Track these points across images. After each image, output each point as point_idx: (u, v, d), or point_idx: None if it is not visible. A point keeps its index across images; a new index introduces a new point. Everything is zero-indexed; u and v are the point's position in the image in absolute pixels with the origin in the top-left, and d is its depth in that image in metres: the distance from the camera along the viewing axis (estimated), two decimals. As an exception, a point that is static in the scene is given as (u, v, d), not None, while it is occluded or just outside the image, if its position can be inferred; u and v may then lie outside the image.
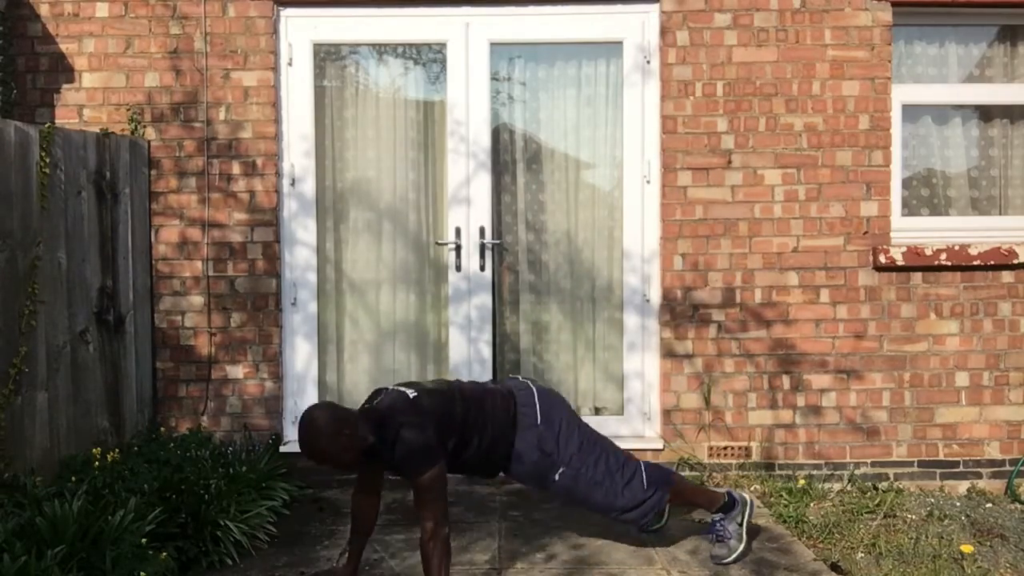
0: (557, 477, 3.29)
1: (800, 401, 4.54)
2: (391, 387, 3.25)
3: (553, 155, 4.78)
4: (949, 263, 4.48)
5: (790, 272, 4.53)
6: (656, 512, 3.45)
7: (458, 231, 4.62)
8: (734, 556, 3.45)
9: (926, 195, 4.79)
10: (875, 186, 4.53)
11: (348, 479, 4.49)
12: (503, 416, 3.25)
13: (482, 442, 3.21)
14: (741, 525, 3.51)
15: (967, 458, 4.55)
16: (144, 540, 3.09)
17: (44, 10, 4.48)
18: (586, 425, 3.44)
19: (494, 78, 4.66)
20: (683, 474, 4.46)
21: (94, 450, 3.74)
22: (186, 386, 4.54)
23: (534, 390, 3.36)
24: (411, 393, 3.14)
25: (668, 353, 4.54)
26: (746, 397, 4.53)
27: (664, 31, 4.51)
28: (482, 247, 4.61)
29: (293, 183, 4.59)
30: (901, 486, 4.48)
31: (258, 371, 4.54)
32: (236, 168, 4.51)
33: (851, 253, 4.53)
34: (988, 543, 3.79)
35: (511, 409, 3.28)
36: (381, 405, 3.12)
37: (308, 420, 3.00)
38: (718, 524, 3.52)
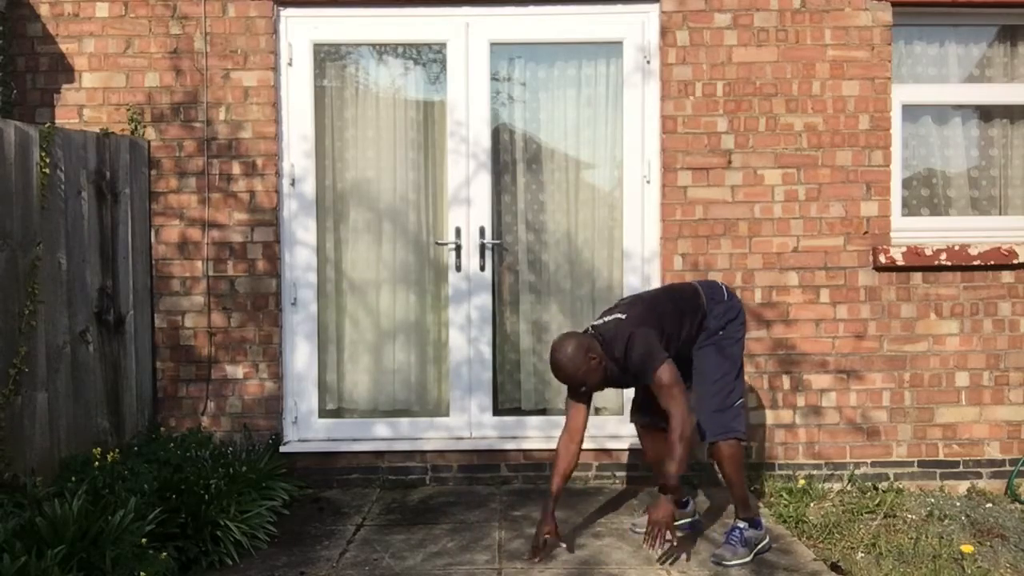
0: (712, 338, 3.60)
1: (800, 401, 4.54)
2: (603, 318, 3.59)
3: (553, 155, 4.78)
4: (949, 263, 4.48)
5: (790, 272, 4.53)
6: (721, 431, 3.56)
7: (458, 231, 4.62)
8: (739, 561, 3.47)
9: (926, 195, 4.79)
10: (875, 186, 4.53)
11: (350, 479, 4.51)
12: (694, 303, 3.62)
13: (681, 335, 3.58)
14: (753, 549, 3.53)
15: (967, 458, 4.55)
16: (144, 540, 3.10)
17: (44, 10, 4.48)
18: (743, 327, 3.75)
19: (494, 78, 4.66)
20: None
21: (94, 450, 3.74)
22: (186, 386, 4.54)
23: (724, 287, 3.76)
24: (622, 315, 3.51)
25: (668, 353, 4.54)
26: (746, 397, 4.52)
27: (664, 31, 4.51)
28: (482, 247, 4.61)
29: (293, 183, 4.59)
30: (901, 486, 4.48)
31: (258, 371, 4.54)
32: (236, 168, 4.51)
33: (851, 253, 4.53)
34: (988, 543, 3.79)
35: (696, 297, 3.64)
36: (604, 331, 3.49)
37: (561, 351, 3.41)
38: (737, 531, 3.56)
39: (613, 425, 4.65)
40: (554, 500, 3.55)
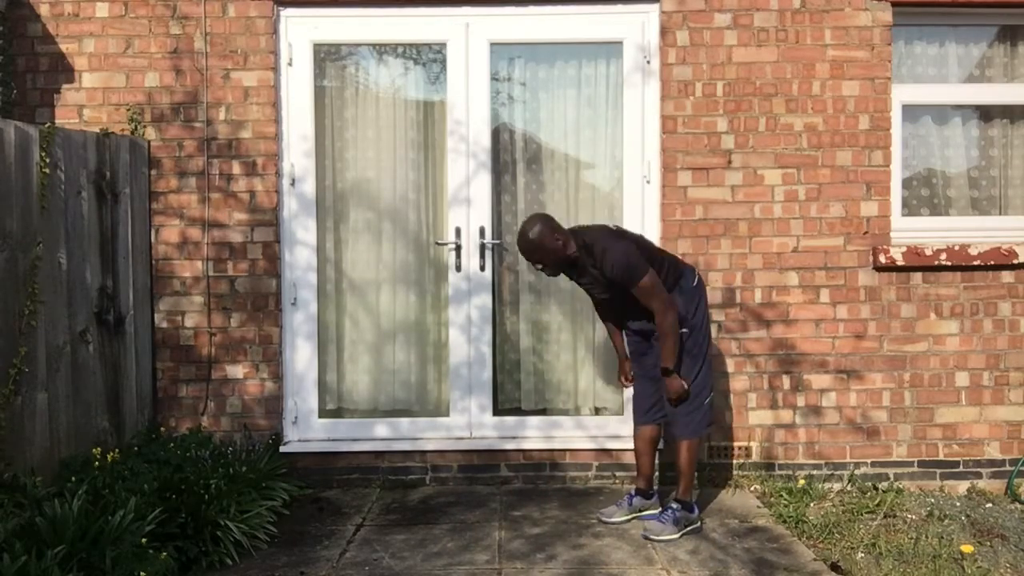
0: (683, 329, 3.78)
1: (800, 401, 4.54)
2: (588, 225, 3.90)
3: (553, 155, 4.78)
4: (949, 263, 4.48)
5: (790, 272, 4.53)
6: (691, 427, 3.83)
7: (458, 231, 4.62)
8: (663, 538, 3.73)
9: (926, 195, 4.79)
10: (875, 186, 4.53)
11: (351, 479, 4.51)
12: (673, 269, 3.84)
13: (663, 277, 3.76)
14: (685, 528, 3.80)
15: (967, 458, 4.55)
16: (144, 540, 3.10)
17: (44, 10, 4.48)
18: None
19: (494, 78, 4.66)
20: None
21: (94, 450, 3.74)
22: (186, 386, 4.54)
23: (694, 269, 3.95)
24: (611, 225, 3.84)
25: (668, 353, 4.54)
26: (746, 397, 4.53)
27: (664, 31, 4.51)
28: (482, 247, 4.61)
29: (293, 183, 4.59)
30: (901, 486, 4.48)
31: (258, 371, 4.54)
32: (236, 168, 4.51)
33: (851, 253, 4.53)
34: (988, 543, 3.79)
35: (679, 272, 3.85)
36: (586, 233, 3.75)
37: (530, 223, 3.68)
38: (671, 510, 3.82)
39: (613, 425, 4.65)
40: (622, 350, 4.05)
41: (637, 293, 3.64)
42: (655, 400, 3.91)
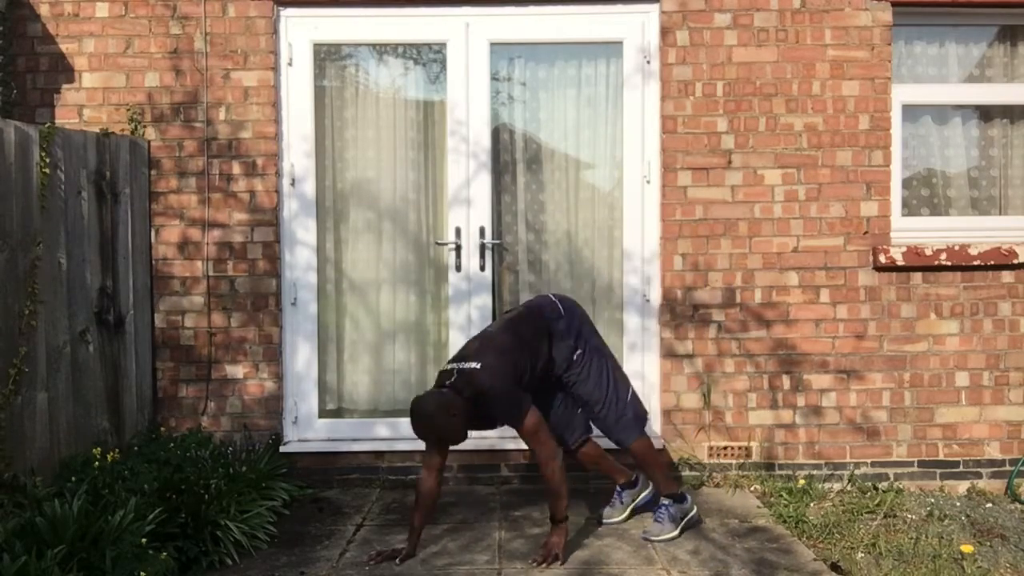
0: (575, 357, 3.70)
1: (800, 401, 4.54)
2: (454, 367, 3.54)
3: (553, 155, 4.78)
4: (949, 263, 4.48)
5: (790, 272, 4.53)
6: (627, 428, 3.77)
7: (458, 231, 4.62)
8: (663, 537, 3.72)
9: (926, 195, 4.79)
10: (875, 186, 4.53)
11: (349, 479, 4.51)
12: (541, 327, 3.68)
13: (535, 365, 3.62)
14: (681, 521, 3.80)
15: (967, 458, 4.55)
16: (144, 540, 3.10)
17: (44, 10, 4.48)
18: (595, 331, 3.86)
19: (494, 78, 4.66)
20: (683, 474, 4.48)
21: (94, 450, 3.74)
22: (186, 386, 4.54)
23: (552, 296, 3.86)
24: (477, 364, 3.50)
25: (668, 353, 4.54)
26: (746, 397, 4.53)
27: (664, 31, 4.51)
28: (482, 247, 4.61)
29: (293, 183, 4.59)
30: (901, 486, 4.48)
31: (258, 371, 4.54)
32: (236, 168, 4.51)
33: (851, 253, 4.53)
34: (988, 543, 3.79)
35: (544, 318, 3.72)
36: (462, 383, 3.47)
37: (421, 411, 3.41)
38: (663, 508, 3.80)
39: (613, 425, 4.65)
40: (418, 534, 3.58)
41: (520, 433, 3.50)
42: (577, 422, 3.86)
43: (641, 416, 3.83)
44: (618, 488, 4.02)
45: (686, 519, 3.83)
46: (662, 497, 3.84)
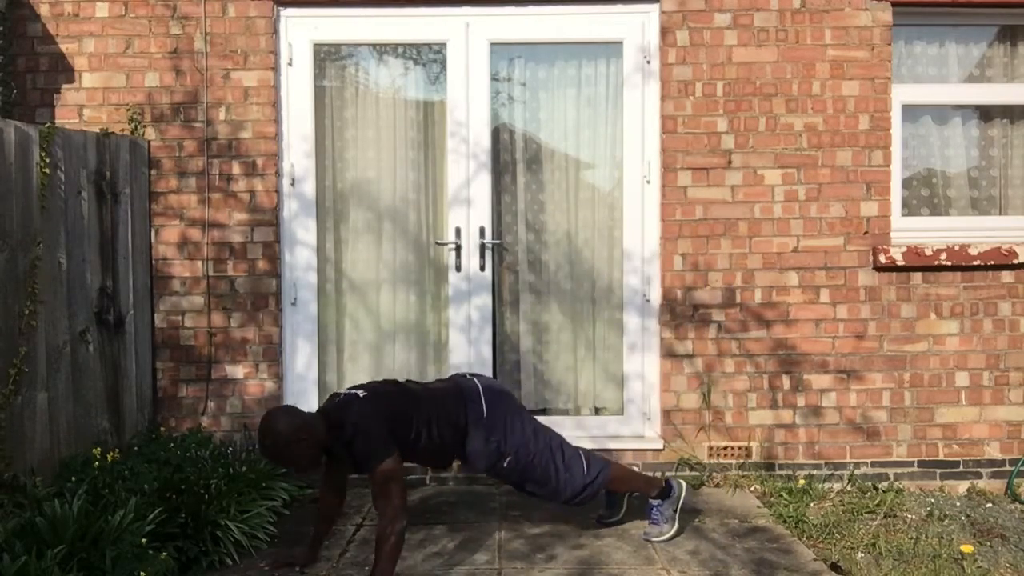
0: (505, 464, 3.54)
1: (800, 401, 4.54)
2: (344, 390, 3.41)
3: (553, 155, 4.78)
4: (949, 263, 4.48)
5: (790, 272, 4.53)
6: (592, 496, 3.67)
7: (458, 231, 4.62)
8: (664, 537, 3.73)
9: (926, 195, 4.79)
10: (875, 186, 4.53)
11: (351, 479, 4.49)
12: (453, 412, 3.47)
13: (432, 435, 3.41)
14: (675, 511, 3.79)
15: (967, 458, 4.55)
16: (144, 540, 3.09)
17: (44, 10, 4.48)
18: (531, 417, 3.68)
19: (494, 78, 4.66)
20: (683, 474, 4.48)
21: (94, 450, 3.74)
22: (186, 386, 4.54)
23: (479, 386, 3.58)
24: (361, 393, 3.33)
25: (668, 353, 4.54)
26: (746, 397, 4.53)
27: (664, 31, 4.51)
28: (482, 247, 4.61)
29: (293, 183, 4.59)
30: (901, 486, 4.48)
31: (258, 371, 4.54)
32: (236, 168, 4.51)
33: (851, 253, 4.53)
34: (988, 543, 3.79)
35: (461, 405, 3.50)
36: (335, 408, 3.30)
37: (268, 426, 3.15)
38: (655, 509, 3.78)
39: (613, 426, 4.65)
40: (317, 542, 3.50)
41: (372, 479, 3.15)
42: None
43: (591, 484, 3.62)
44: (653, 503, 3.79)
45: (679, 507, 3.80)
46: (650, 499, 3.81)
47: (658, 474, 4.06)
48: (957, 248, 4.49)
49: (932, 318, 4.54)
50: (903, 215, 4.66)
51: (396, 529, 3.08)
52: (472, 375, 3.71)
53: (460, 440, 3.49)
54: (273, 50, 4.51)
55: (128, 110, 4.48)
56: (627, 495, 3.94)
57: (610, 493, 3.93)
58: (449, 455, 3.55)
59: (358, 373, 4.73)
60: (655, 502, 3.79)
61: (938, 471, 4.55)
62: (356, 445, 3.19)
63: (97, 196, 4.17)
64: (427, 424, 3.39)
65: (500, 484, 4.49)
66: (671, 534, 3.74)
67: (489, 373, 4.64)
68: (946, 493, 4.49)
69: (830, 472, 4.54)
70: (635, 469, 4.15)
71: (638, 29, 4.58)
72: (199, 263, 4.52)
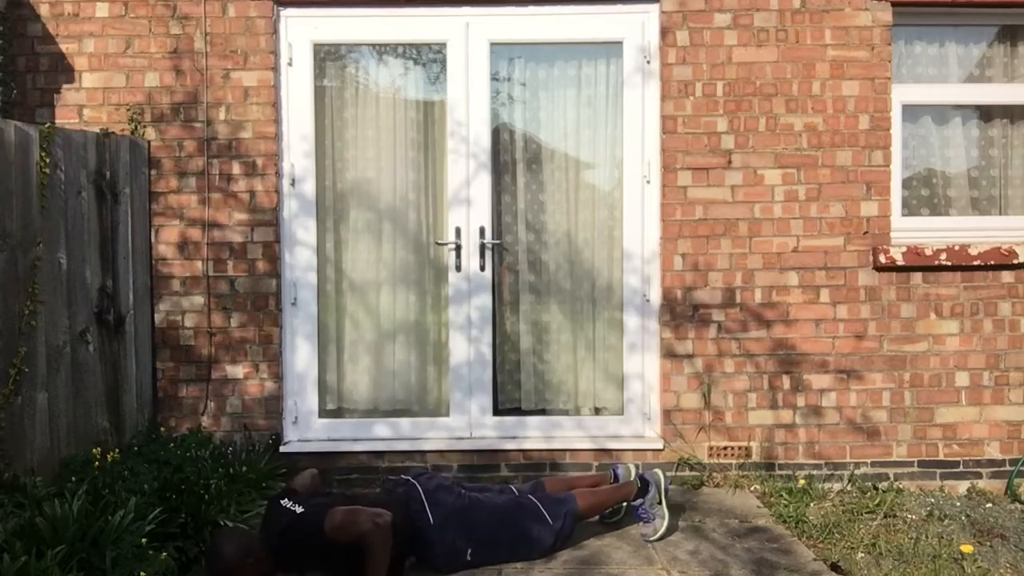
0: (470, 557, 3.43)
1: (800, 401, 4.54)
2: (282, 503, 3.26)
3: (553, 155, 4.78)
4: (949, 263, 4.48)
5: (790, 272, 4.53)
6: (568, 535, 3.61)
7: (458, 231, 4.62)
8: (660, 533, 3.73)
9: (926, 195, 4.79)
10: (875, 186, 4.53)
11: (351, 479, 4.51)
12: (398, 521, 3.26)
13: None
14: (661, 503, 3.79)
15: (967, 458, 4.55)
16: (144, 540, 3.10)
17: (44, 10, 4.48)
18: (476, 497, 3.56)
19: (494, 78, 4.66)
20: (683, 474, 4.48)
21: (94, 450, 3.74)
22: (186, 386, 4.54)
23: (420, 490, 3.46)
24: (298, 510, 3.20)
25: (668, 353, 4.54)
26: (746, 397, 4.53)
27: (664, 31, 4.51)
28: (482, 247, 4.61)
29: (293, 183, 4.59)
30: (901, 486, 4.48)
31: (258, 371, 4.54)
32: (236, 168, 4.51)
33: (851, 253, 4.53)
34: (988, 543, 3.79)
35: (406, 512, 3.37)
36: (276, 526, 3.18)
37: (215, 553, 3.07)
38: (640, 509, 3.78)
39: (613, 426, 4.65)
40: None
41: (330, 529, 3.07)
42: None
43: (566, 521, 3.58)
44: (635, 505, 3.81)
45: (663, 496, 3.79)
46: (631, 503, 3.81)
47: (634, 476, 3.96)
48: (957, 248, 4.49)
49: (932, 318, 4.54)
50: (903, 215, 4.66)
51: (377, 540, 3.04)
52: (407, 477, 3.59)
53: (410, 547, 3.37)
54: (273, 50, 4.51)
55: (128, 110, 4.48)
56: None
57: None
58: (403, 558, 3.38)
59: (358, 373, 4.73)
60: (636, 502, 3.80)
61: (938, 471, 4.55)
62: (307, 531, 3.10)
63: (97, 196, 4.17)
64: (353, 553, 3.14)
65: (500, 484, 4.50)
66: (665, 527, 3.74)
67: (489, 373, 4.64)
68: (946, 493, 4.49)
69: (830, 472, 4.54)
70: (603, 488, 3.88)
71: (638, 29, 4.58)
72: (199, 263, 4.52)
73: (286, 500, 3.27)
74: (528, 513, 3.58)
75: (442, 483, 3.57)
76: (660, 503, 3.78)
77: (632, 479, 3.87)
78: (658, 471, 3.88)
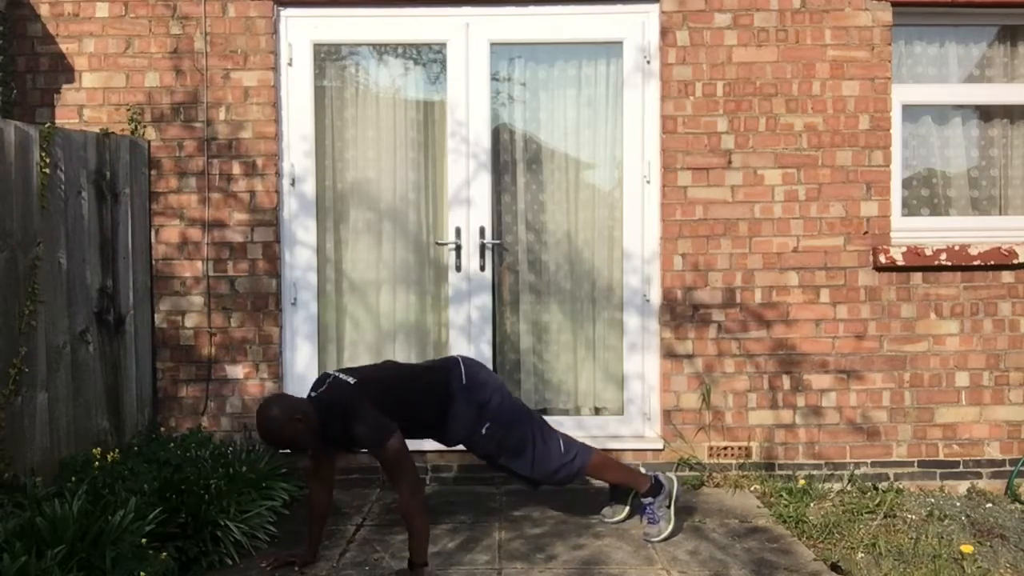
0: (484, 431, 3.60)
1: (800, 401, 4.54)
2: (334, 374, 3.46)
3: (553, 155, 4.78)
4: (949, 263, 4.48)
5: (790, 272, 4.53)
6: (567, 478, 3.73)
7: (458, 231, 4.62)
8: (663, 535, 3.73)
9: (926, 195, 4.79)
10: (875, 186, 4.53)
11: (350, 479, 4.51)
12: (436, 383, 3.59)
13: (418, 411, 3.52)
14: (670, 508, 3.78)
15: (967, 458, 4.55)
16: (144, 540, 3.10)
17: (44, 10, 4.48)
18: (510, 395, 3.77)
19: (494, 78, 4.66)
20: (683, 474, 4.48)
21: (94, 450, 3.74)
22: (186, 386, 4.54)
23: (460, 359, 3.71)
24: (351, 380, 3.39)
25: (668, 353, 4.54)
26: (746, 397, 4.53)
27: (664, 31, 4.51)
28: (482, 247, 4.61)
29: (293, 183, 4.59)
30: (901, 486, 4.48)
31: (258, 371, 4.54)
32: (236, 168, 4.51)
33: (851, 253, 4.53)
34: (988, 543, 3.79)
35: (443, 375, 3.62)
36: (325, 393, 3.38)
37: (264, 411, 3.22)
38: (648, 507, 3.78)
39: (614, 425, 4.65)
40: (314, 542, 3.52)
41: (381, 459, 3.30)
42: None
43: (572, 462, 3.70)
44: (645, 502, 3.82)
45: (673, 502, 3.78)
46: (641, 498, 3.80)
47: (676, 488, 3.97)
48: (957, 248, 4.49)
49: (932, 318, 4.54)
50: (903, 215, 4.66)
51: (419, 501, 3.24)
52: (456, 355, 3.80)
53: (443, 409, 3.57)
54: (273, 50, 4.52)
55: (128, 110, 4.48)
56: (631, 495, 3.91)
57: (614, 489, 3.94)
58: (434, 427, 3.62)
59: (358, 373, 4.73)
60: (647, 500, 3.78)
61: (938, 471, 4.55)
62: (356, 430, 3.28)
63: (97, 196, 4.17)
64: (412, 405, 3.49)
65: (500, 484, 4.51)
66: (669, 531, 3.74)
67: (489, 373, 4.64)
68: (946, 493, 4.49)
69: (830, 472, 4.54)
70: (623, 463, 4.05)
71: (638, 29, 4.58)
72: (199, 263, 4.52)
73: (337, 372, 3.46)
74: (552, 432, 3.75)
75: (487, 368, 3.82)
76: (669, 507, 3.78)
77: (673, 490, 3.80)
78: (672, 476, 3.87)
